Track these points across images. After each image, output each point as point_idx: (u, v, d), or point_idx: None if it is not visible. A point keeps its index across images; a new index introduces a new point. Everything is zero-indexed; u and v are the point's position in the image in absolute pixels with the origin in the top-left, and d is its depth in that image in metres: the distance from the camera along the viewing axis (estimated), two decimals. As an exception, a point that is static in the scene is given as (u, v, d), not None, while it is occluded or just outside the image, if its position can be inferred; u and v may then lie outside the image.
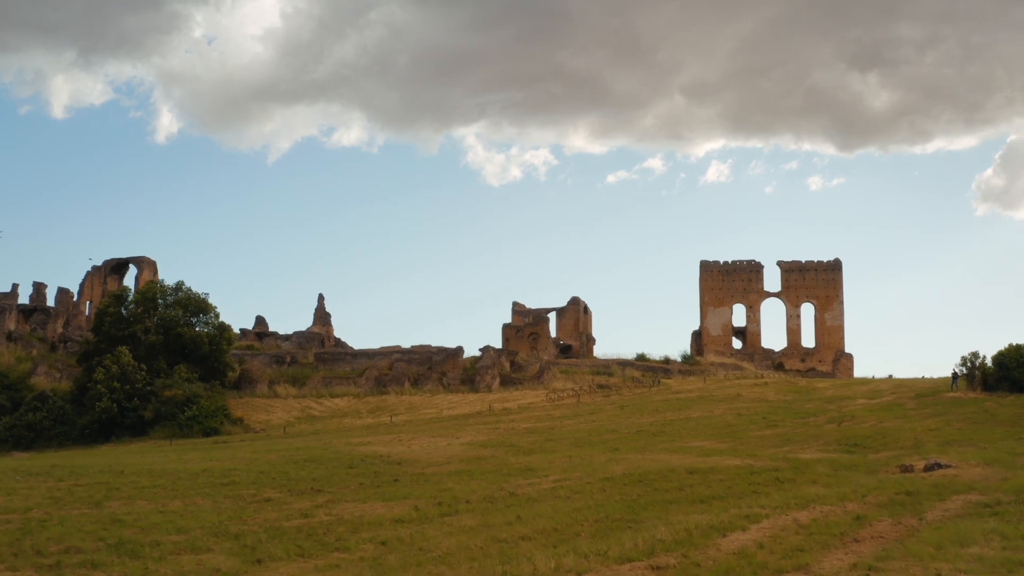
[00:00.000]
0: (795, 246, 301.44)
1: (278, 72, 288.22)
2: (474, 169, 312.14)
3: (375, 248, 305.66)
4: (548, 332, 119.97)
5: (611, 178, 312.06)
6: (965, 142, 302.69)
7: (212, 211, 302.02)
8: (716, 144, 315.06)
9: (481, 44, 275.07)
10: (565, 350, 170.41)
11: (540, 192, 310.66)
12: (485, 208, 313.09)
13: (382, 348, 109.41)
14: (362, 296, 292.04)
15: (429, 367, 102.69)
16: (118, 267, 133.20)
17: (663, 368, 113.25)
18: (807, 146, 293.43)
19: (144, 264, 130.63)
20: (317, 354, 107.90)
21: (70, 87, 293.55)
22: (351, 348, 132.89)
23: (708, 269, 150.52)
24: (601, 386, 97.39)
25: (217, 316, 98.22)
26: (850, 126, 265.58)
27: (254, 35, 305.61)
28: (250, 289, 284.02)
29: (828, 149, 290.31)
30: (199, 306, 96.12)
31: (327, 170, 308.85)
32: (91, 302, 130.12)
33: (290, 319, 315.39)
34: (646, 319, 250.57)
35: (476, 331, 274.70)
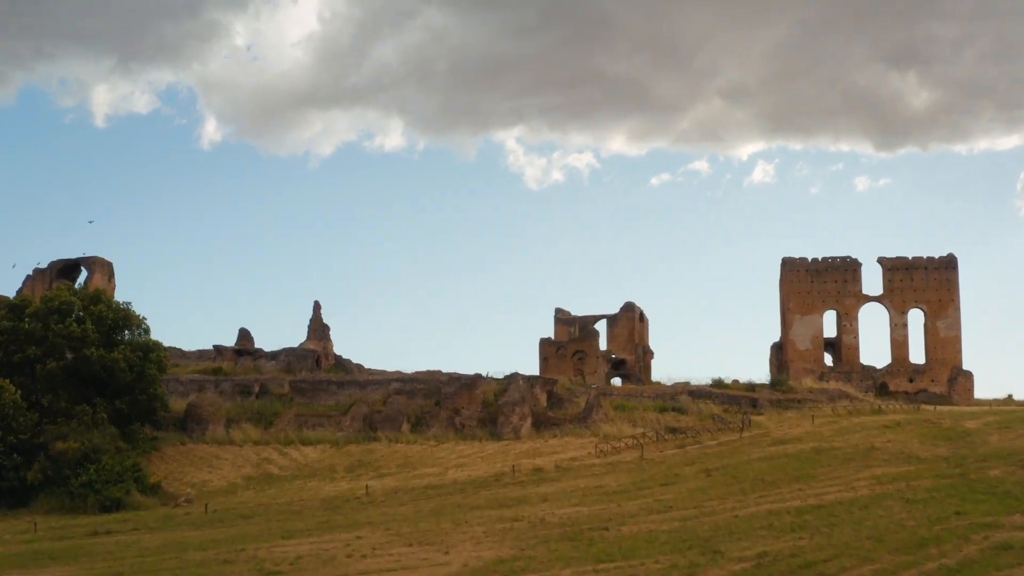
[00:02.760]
0: (872, 246, 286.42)
1: (317, 78, 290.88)
2: (514, 173, 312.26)
3: (412, 255, 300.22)
4: (596, 349, 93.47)
5: (654, 180, 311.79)
6: (1010, 141, 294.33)
7: (254, 216, 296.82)
8: (755, 146, 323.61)
9: (520, 49, 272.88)
10: (618, 365, 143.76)
11: (583, 195, 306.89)
12: (526, 211, 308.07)
13: (378, 375, 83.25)
14: (389, 309, 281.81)
15: (437, 402, 76.53)
16: (67, 270, 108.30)
17: (747, 397, 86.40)
18: (845, 146, 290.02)
19: (96, 266, 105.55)
20: (293, 383, 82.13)
21: (111, 95, 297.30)
22: (348, 372, 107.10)
23: (793, 268, 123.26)
24: (672, 430, 70.84)
25: (146, 331, 72.74)
26: (889, 125, 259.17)
27: (293, 41, 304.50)
28: (274, 302, 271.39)
29: (867, 148, 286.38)
30: (120, 319, 70.59)
31: (369, 176, 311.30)
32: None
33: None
34: (709, 330, 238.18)
35: (513, 348, 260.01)
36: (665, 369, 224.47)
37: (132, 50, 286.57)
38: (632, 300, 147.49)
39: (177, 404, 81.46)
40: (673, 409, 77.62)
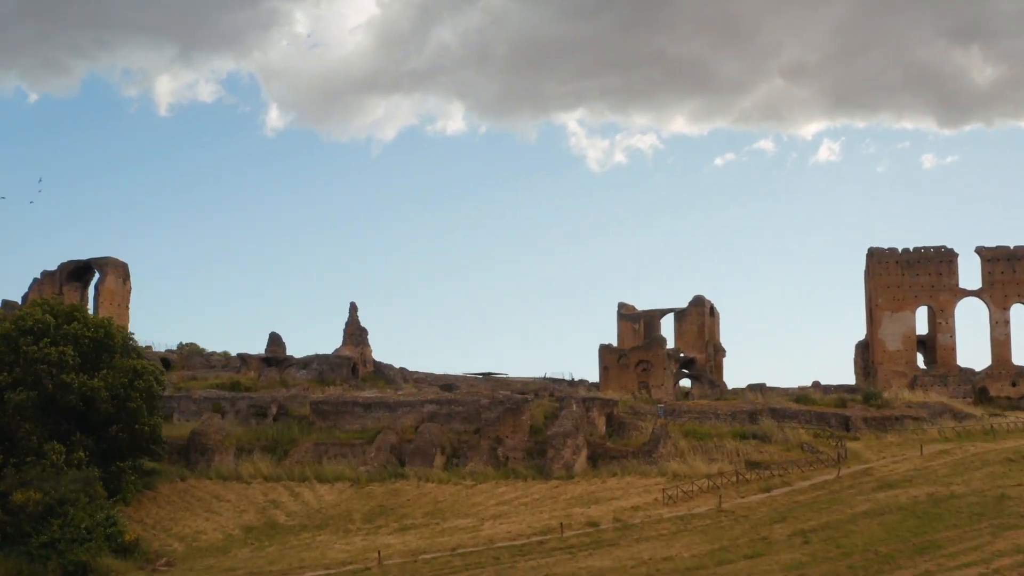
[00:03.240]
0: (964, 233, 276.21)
1: (377, 63, 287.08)
2: (576, 155, 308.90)
3: (468, 244, 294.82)
4: (663, 359, 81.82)
5: (718, 160, 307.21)
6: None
7: (315, 202, 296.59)
8: (817, 125, 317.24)
9: (580, 31, 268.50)
10: (686, 365, 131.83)
11: (647, 176, 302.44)
12: (588, 194, 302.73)
13: (409, 398, 72.32)
14: (438, 305, 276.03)
15: (477, 429, 65.58)
16: (78, 272, 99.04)
17: (838, 415, 74.54)
18: (908, 124, 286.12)
19: (108, 267, 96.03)
20: (315, 404, 71.63)
21: (174, 85, 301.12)
22: (388, 380, 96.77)
23: (881, 260, 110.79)
24: (753, 465, 59.46)
25: (135, 355, 62.73)
26: (953, 101, 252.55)
27: (352, 27, 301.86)
28: (312, 300, 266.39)
29: (931, 125, 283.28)
30: (102, 339, 60.44)
31: (432, 160, 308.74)
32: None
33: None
34: (783, 322, 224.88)
35: (574, 346, 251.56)
36: (737, 370, 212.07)
37: (193, 39, 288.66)
38: (701, 293, 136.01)
39: (184, 428, 71.64)
40: (754, 436, 65.96)
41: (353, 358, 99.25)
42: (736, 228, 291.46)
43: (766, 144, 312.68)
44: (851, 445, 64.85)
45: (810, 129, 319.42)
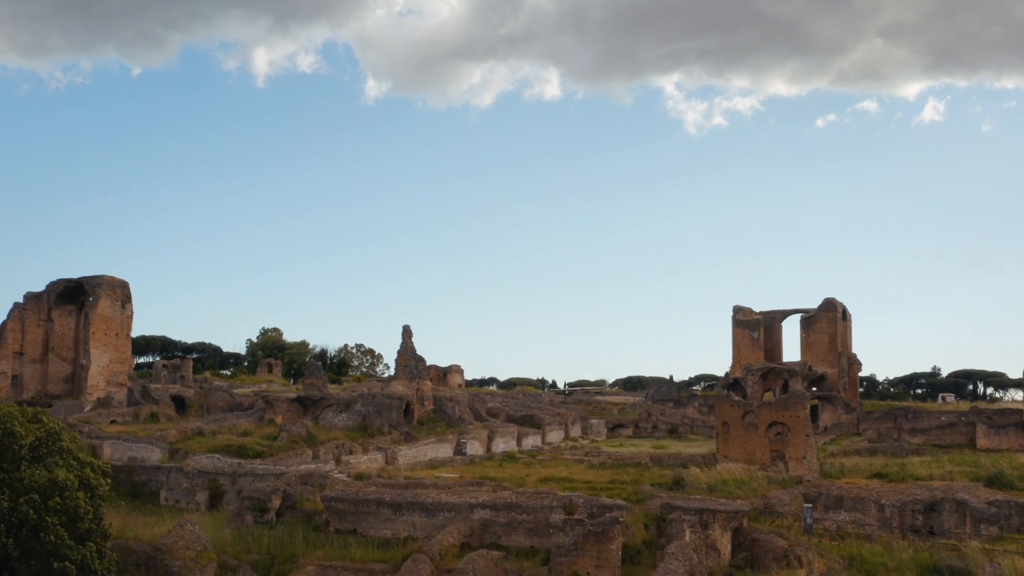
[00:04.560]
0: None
1: (472, 30, 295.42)
2: (673, 119, 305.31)
3: (564, 212, 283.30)
4: (805, 422, 60.10)
5: (820, 122, 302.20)
6: None
7: (410, 167, 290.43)
8: (916, 84, 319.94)
9: None
10: (815, 382, 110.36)
11: (747, 138, 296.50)
12: (687, 157, 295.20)
13: (451, 497, 52.06)
14: (527, 311, 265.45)
15: (546, 559, 45.39)
16: (68, 293, 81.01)
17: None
18: (1008, 83, 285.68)
19: (102, 288, 77.72)
20: (327, 499, 52.25)
21: (272, 55, 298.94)
22: (450, 422, 77.40)
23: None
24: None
25: (60, 449, 43.81)
26: None
27: None
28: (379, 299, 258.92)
29: None
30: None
31: (530, 126, 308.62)
32: (22, 353, 78.39)
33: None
34: (915, 312, 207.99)
35: (676, 340, 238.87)
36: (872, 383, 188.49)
37: (288, 9, 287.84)
38: (832, 296, 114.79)
39: (157, 528, 53.02)
40: (950, 571, 44.58)
41: (407, 397, 79.95)
42: (844, 191, 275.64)
43: (869, 105, 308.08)
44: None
45: (911, 89, 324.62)
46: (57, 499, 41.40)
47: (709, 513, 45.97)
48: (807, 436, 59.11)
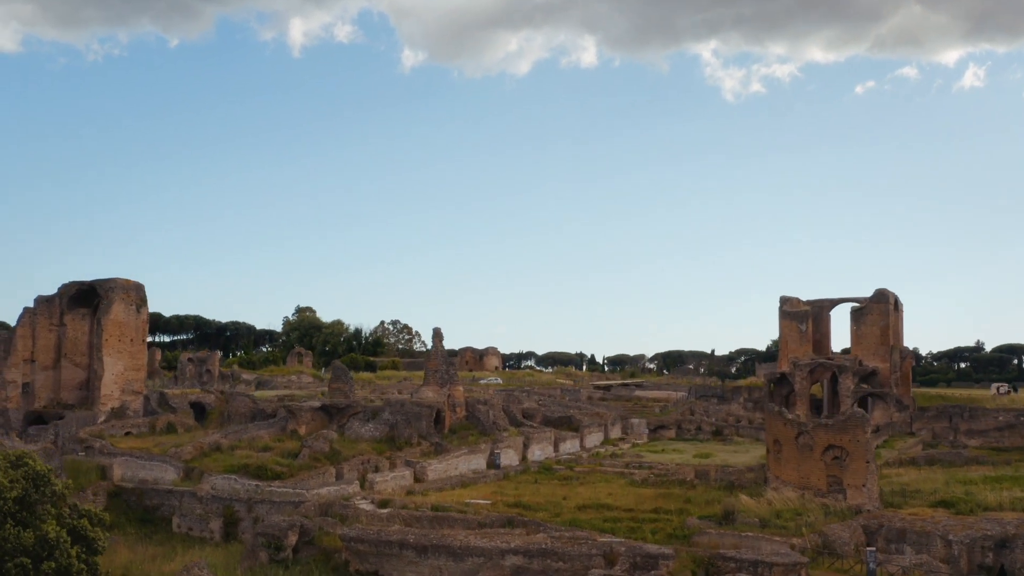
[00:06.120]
0: None
1: None
2: (711, 86, 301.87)
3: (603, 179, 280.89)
4: (864, 447, 55.27)
5: (859, 88, 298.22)
6: None
7: (453, 139, 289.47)
8: (955, 51, 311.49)
9: None
10: (866, 379, 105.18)
11: (785, 105, 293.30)
12: (725, 124, 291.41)
13: (480, 541, 47.78)
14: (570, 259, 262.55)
15: (583, 619, 41.15)
16: (81, 296, 77.18)
17: None
18: None
19: (115, 292, 73.78)
20: (346, 538, 48.15)
21: (308, 26, 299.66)
22: (484, 430, 73.05)
23: None
24: None
25: (65, 509, 39.82)
26: None
27: None
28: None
29: None
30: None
31: (567, 95, 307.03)
32: (33, 360, 74.80)
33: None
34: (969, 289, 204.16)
35: (727, 317, 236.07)
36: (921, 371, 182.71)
37: None
38: (884, 286, 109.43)
39: (172, 560, 49.24)
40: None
41: (437, 404, 75.78)
42: (887, 163, 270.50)
43: (909, 71, 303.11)
44: None
45: (950, 56, 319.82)
46: (51, 563, 37.40)
47: (765, 567, 41.43)
48: (867, 463, 54.32)
